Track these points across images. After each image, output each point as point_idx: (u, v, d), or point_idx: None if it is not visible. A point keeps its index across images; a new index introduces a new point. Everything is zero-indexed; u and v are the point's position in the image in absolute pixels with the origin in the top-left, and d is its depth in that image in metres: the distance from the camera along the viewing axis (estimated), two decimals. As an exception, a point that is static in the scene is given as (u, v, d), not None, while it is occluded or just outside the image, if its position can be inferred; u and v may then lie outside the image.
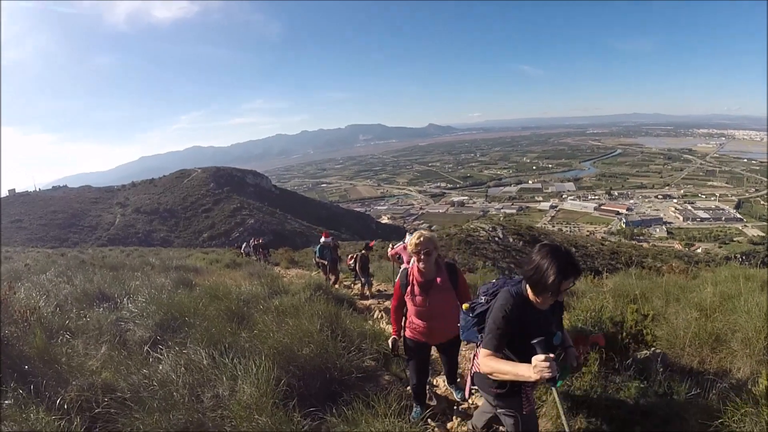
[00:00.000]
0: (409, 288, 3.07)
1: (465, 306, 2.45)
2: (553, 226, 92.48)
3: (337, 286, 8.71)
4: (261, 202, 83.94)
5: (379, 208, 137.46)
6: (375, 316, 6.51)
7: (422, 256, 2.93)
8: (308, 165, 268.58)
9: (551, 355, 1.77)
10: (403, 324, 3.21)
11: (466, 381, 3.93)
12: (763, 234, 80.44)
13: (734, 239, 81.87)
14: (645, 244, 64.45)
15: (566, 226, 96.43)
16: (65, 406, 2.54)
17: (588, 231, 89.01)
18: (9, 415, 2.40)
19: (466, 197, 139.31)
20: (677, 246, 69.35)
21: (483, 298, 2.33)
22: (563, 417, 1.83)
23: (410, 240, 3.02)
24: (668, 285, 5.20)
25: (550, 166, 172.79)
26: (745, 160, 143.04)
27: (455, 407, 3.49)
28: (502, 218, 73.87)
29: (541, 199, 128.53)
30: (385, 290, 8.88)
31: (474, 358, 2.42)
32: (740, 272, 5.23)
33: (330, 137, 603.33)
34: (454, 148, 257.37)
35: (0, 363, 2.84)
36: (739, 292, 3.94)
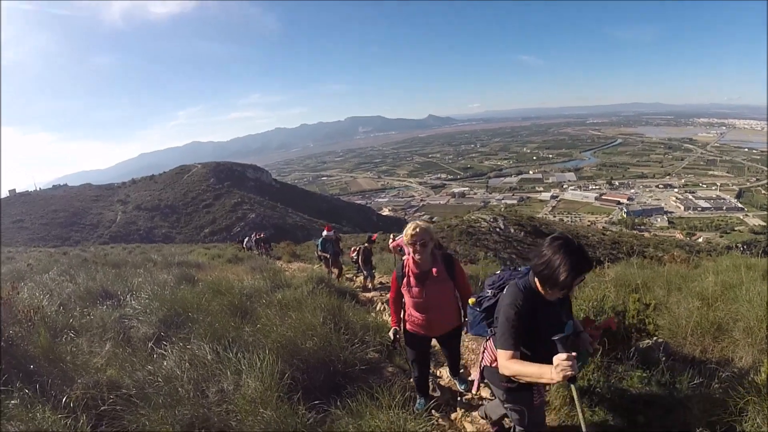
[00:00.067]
0: (405, 280, 3.05)
1: (471, 300, 2.41)
2: (554, 217, 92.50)
3: (339, 279, 8.74)
4: (262, 196, 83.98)
5: (379, 200, 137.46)
6: (378, 308, 6.54)
7: (418, 247, 2.90)
8: (308, 158, 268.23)
9: (573, 354, 1.72)
10: (402, 316, 3.19)
11: (469, 372, 3.96)
12: (764, 223, 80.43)
13: (735, 229, 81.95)
14: (646, 234, 64.61)
15: (567, 216, 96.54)
16: (71, 405, 2.55)
17: (589, 221, 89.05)
18: (15, 414, 2.40)
19: (467, 188, 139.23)
20: (678, 235, 69.47)
21: (489, 291, 2.28)
22: (581, 416, 1.78)
23: (405, 231, 2.98)
24: (670, 274, 5.21)
25: (550, 156, 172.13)
26: (746, 150, 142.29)
27: (459, 398, 3.50)
28: (503, 209, 73.96)
29: (541, 189, 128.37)
30: (388, 282, 8.86)
31: (483, 352, 2.37)
32: (741, 261, 5.22)
33: (329, 130, 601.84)
34: (454, 139, 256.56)
35: (3, 362, 2.85)
36: (740, 281, 3.94)
